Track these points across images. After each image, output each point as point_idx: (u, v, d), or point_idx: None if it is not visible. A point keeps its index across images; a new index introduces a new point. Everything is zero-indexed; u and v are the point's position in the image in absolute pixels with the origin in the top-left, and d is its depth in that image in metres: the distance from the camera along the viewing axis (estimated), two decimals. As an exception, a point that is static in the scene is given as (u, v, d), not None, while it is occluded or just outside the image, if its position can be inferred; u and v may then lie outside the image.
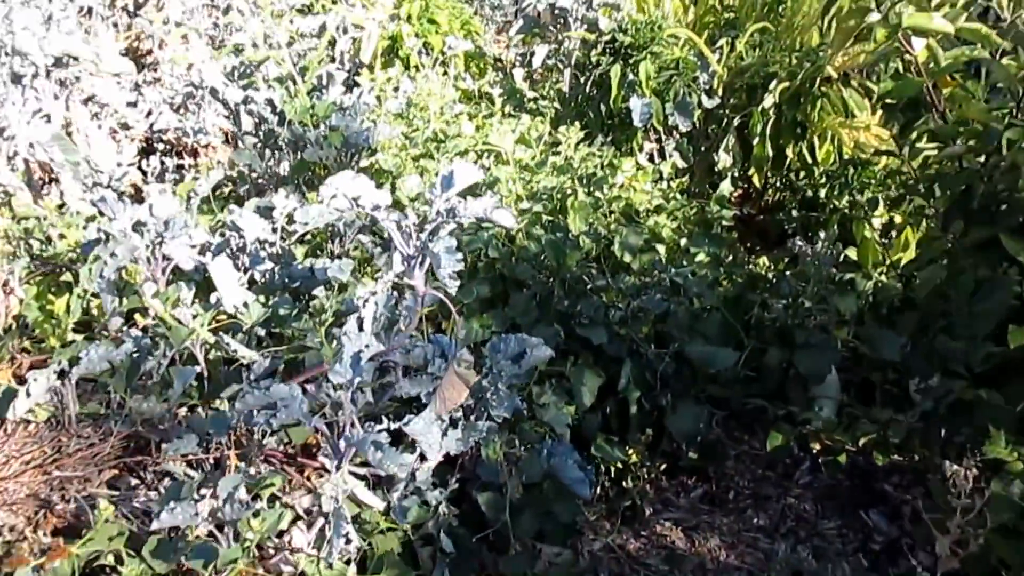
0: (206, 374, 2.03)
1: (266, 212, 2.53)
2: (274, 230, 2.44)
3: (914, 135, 2.14)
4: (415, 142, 3.41)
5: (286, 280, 2.34)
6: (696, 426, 2.78)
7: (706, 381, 2.98)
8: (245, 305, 2.16)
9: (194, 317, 1.95)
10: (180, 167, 5.14)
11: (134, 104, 4.69)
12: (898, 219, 3.02)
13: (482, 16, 8.86)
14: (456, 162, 1.79)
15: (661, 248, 3.40)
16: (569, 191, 3.37)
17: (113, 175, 4.53)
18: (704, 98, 3.97)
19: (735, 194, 4.28)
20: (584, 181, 3.40)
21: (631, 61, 3.89)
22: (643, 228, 3.36)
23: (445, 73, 4.70)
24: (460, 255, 1.66)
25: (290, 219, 2.46)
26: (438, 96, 3.94)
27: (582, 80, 4.22)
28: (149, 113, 4.68)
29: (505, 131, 3.80)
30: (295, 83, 2.99)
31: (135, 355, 2.00)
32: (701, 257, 3.42)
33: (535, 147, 3.55)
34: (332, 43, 5.06)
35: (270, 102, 2.89)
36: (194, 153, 5.19)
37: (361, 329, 1.64)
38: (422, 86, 3.84)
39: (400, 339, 1.89)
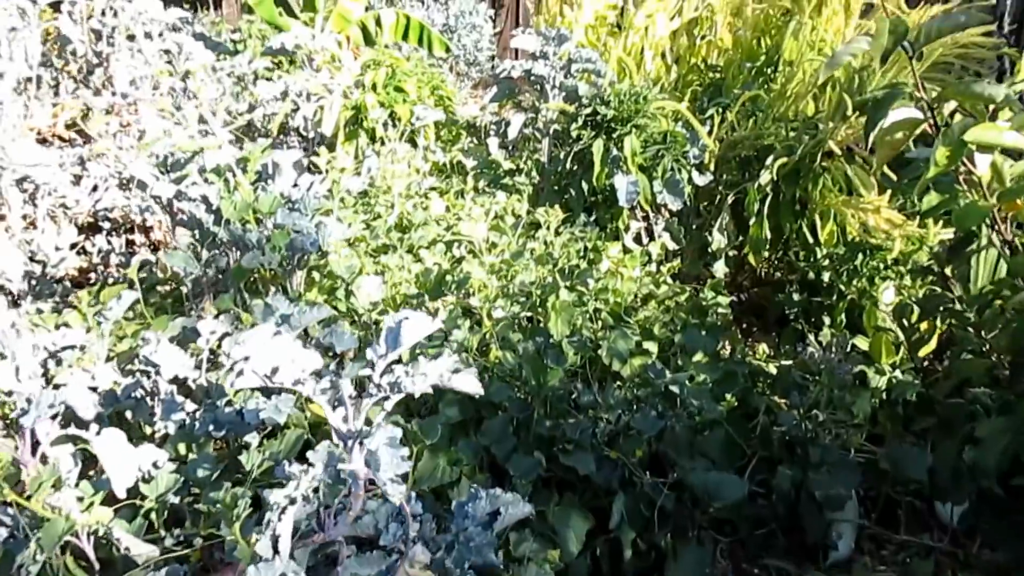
0: (97, 566, 1.62)
1: (192, 335, 2.15)
2: (198, 365, 2.05)
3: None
4: (376, 233, 3.04)
5: (210, 428, 1.94)
6: (702, 572, 2.39)
7: (709, 505, 2.61)
8: (156, 465, 1.76)
9: (79, 500, 1.55)
10: (131, 244, 4.75)
11: (78, 180, 4.34)
12: (924, 325, 2.68)
13: (458, 73, 8.61)
14: (406, 313, 1.42)
15: (653, 347, 3.04)
16: (550, 286, 3.01)
17: (48, 262, 4.15)
18: (695, 174, 3.64)
19: (728, 272, 3.94)
20: (566, 273, 3.05)
21: (615, 135, 3.56)
22: (632, 327, 3.00)
23: (414, 144, 4.36)
24: (406, 450, 1.28)
25: (220, 343, 2.08)
26: (404, 174, 3.59)
27: (562, 155, 3.89)
28: (95, 188, 4.32)
29: (478, 215, 3.45)
30: (235, 174, 2.63)
31: (9, 543, 1.59)
32: (698, 357, 3.05)
33: (511, 234, 3.19)
34: (295, 109, 4.73)
35: (205, 199, 2.52)
36: (146, 230, 4.82)
37: (276, 551, 1.25)
38: (386, 166, 3.49)
39: (340, 526, 1.49)
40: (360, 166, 3.90)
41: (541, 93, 4.30)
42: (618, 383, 2.88)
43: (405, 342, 1.38)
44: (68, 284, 4.25)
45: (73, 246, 4.39)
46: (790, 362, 3.54)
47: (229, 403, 2.03)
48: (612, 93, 3.57)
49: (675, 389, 2.80)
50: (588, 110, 3.61)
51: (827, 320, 3.65)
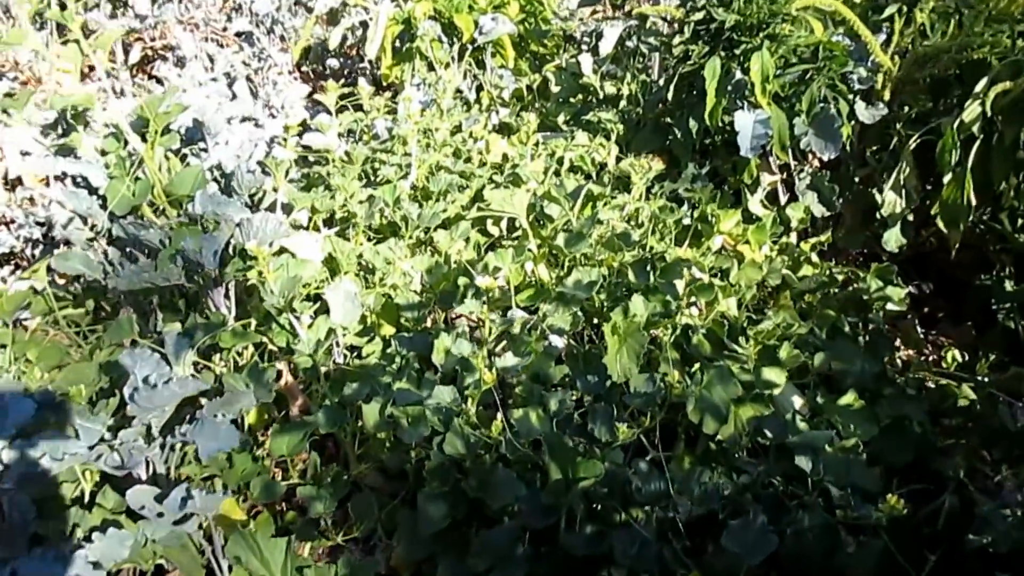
0: None
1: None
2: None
3: None
4: (373, 209, 2.15)
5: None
6: None
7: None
8: None
9: None
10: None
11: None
12: None
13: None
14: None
15: (778, 376, 2.01)
16: (615, 287, 2.04)
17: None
18: (860, 106, 2.47)
19: (907, 243, 2.76)
20: (644, 269, 2.04)
21: (738, 50, 2.44)
22: (743, 354, 1.97)
23: (482, 67, 3.39)
24: None
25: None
26: (441, 113, 2.66)
27: (660, 80, 2.81)
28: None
29: (534, 170, 2.48)
30: (125, 141, 1.80)
31: None
32: (849, 399, 2.00)
33: (565, 205, 2.20)
34: (363, 25, 3.84)
35: (85, 180, 1.72)
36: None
37: None
38: (405, 109, 2.55)
39: None
40: (392, 112, 2.98)
41: (649, -9, 3.19)
42: (716, 442, 1.89)
43: None
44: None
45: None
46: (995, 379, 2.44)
47: None
48: (734, -12, 2.43)
49: (804, 463, 1.79)
50: (700, 15, 2.49)
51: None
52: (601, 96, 3.29)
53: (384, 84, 3.44)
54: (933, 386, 2.49)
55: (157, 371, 1.41)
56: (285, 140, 2.09)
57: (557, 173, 2.69)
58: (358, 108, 3.10)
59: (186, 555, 1.41)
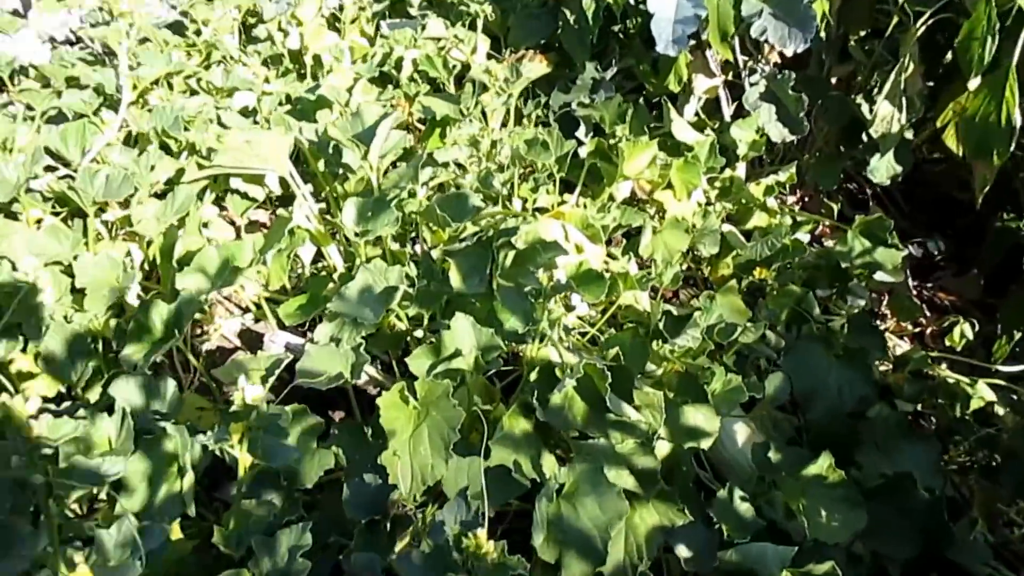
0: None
1: None
2: None
3: None
4: (34, 169, 1.25)
5: None
6: None
7: None
8: None
9: None
10: None
11: None
12: None
13: None
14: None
15: (709, 422, 1.22)
16: (441, 297, 1.20)
17: None
18: (842, -32, 1.59)
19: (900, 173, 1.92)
20: (480, 262, 1.20)
21: None
22: (644, 424, 1.16)
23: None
24: None
25: None
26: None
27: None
28: None
29: (335, 84, 1.58)
30: None
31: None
32: (820, 466, 1.22)
33: (358, 151, 1.32)
34: None
35: None
36: None
37: None
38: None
39: None
40: None
41: None
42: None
43: None
44: None
45: None
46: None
47: None
48: None
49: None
50: None
51: None
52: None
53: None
54: (937, 380, 1.74)
55: None
56: None
57: (396, 84, 1.80)
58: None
59: None
